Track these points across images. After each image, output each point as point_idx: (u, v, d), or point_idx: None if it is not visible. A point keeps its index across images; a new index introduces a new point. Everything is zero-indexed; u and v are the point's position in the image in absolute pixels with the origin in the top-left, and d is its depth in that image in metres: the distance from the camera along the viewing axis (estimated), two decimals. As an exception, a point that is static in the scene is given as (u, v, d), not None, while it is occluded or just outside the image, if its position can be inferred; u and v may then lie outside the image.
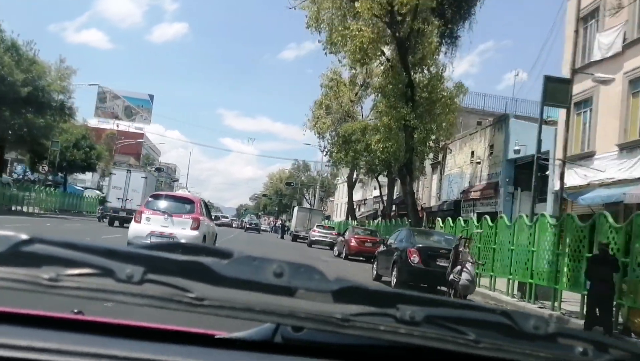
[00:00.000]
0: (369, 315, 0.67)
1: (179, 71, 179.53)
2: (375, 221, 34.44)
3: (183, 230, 10.29)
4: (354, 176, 38.84)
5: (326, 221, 43.18)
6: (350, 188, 38.69)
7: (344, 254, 21.15)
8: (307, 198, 69.30)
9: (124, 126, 65.10)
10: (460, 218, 17.21)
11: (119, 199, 23.25)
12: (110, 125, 62.96)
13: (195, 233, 10.34)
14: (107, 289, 0.64)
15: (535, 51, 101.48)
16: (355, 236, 21.19)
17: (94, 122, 59.97)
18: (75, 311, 0.95)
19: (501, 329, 0.69)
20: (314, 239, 28.93)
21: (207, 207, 12.66)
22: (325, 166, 45.85)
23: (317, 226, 30.85)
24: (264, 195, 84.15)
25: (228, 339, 0.85)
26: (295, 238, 35.47)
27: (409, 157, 21.18)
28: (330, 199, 64.81)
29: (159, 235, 10.14)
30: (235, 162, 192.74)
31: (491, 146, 22.88)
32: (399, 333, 0.66)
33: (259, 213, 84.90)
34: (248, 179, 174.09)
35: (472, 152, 24.50)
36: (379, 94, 22.98)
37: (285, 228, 43.91)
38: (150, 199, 11.48)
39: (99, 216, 29.16)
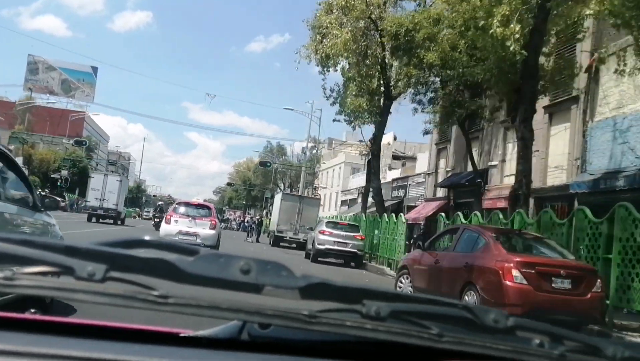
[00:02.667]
0: (335, 310, 0.68)
1: (143, 62, 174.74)
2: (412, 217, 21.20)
3: (204, 230, 13.70)
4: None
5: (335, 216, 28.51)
6: (376, 156, 20.36)
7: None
8: (282, 188, 55.51)
9: (62, 103, 53.04)
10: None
11: (97, 199, 27.49)
12: (43, 102, 50.56)
13: (213, 231, 13.87)
14: (67, 287, 0.62)
15: None
16: (520, 259, 6.99)
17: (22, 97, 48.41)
18: (32, 311, 0.92)
19: (463, 323, 0.71)
20: (322, 248, 16.74)
21: (217, 211, 16.76)
22: (336, 118, 22.23)
23: (328, 224, 18.04)
24: (229, 184, 68.99)
25: (194, 337, 0.84)
26: (277, 241, 24.31)
27: None
28: (321, 185, 46.68)
29: (186, 233, 13.48)
30: (201, 156, 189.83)
31: None
32: (365, 328, 0.67)
33: (224, 208, 70.53)
34: (214, 174, 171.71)
35: None
36: None
37: (259, 226, 29.66)
38: (176, 205, 15.09)
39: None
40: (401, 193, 29.42)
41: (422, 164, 27.80)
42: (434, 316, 0.71)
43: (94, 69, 56.76)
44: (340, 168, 47.34)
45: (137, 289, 0.63)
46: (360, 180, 36.50)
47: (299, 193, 34.43)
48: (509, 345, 0.71)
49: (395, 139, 41.19)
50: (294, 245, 23.77)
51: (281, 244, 24.35)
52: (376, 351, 0.78)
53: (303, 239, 22.81)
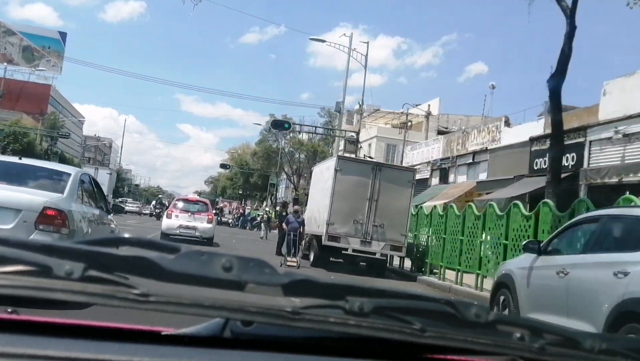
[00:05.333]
0: (318, 307, 0.68)
1: (135, 53, 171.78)
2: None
3: (201, 224, 15.37)
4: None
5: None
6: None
7: None
8: (289, 172, 45.33)
9: (23, 74, 44.34)
10: None
11: None
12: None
13: (210, 225, 15.64)
14: (45, 286, 0.61)
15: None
16: None
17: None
18: (9, 310, 0.90)
19: (445, 318, 0.72)
20: None
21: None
22: None
23: None
24: (223, 166, 54.38)
25: (175, 335, 0.83)
26: (326, 255, 12.49)
27: None
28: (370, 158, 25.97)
29: (186, 227, 15.15)
30: (194, 148, 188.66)
31: None
32: (348, 324, 0.67)
33: (217, 199, 57.74)
34: (206, 167, 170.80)
35: None
36: None
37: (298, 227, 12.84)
38: (176, 202, 16.90)
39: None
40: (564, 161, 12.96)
41: (616, 104, 13.40)
42: (417, 311, 0.72)
43: (62, 34, 47.01)
44: (370, 145, 34.27)
45: (117, 288, 0.63)
46: (431, 152, 23.77)
47: (373, 159, 19.30)
48: (490, 338, 0.72)
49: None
50: (357, 264, 12.36)
51: (332, 259, 12.44)
52: (360, 347, 0.79)
53: (382, 255, 12.19)
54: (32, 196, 5.07)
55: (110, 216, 7.21)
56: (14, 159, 6.35)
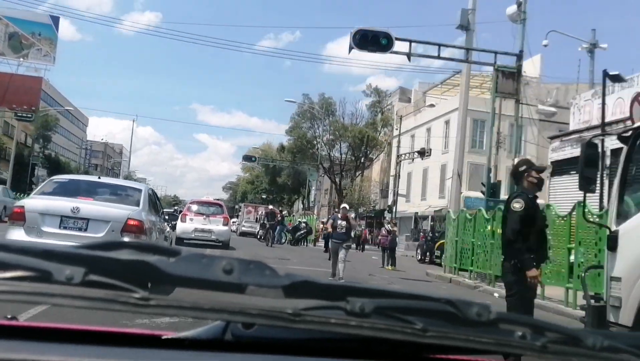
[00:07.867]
0: (320, 308, 0.68)
1: (151, 63, 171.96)
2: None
3: (217, 226, 15.15)
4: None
5: None
6: None
7: None
8: (326, 166, 36.10)
9: (11, 65, 38.35)
10: None
11: None
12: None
13: (225, 227, 15.64)
14: (44, 292, 0.61)
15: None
16: None
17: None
18: (9, 316, 0.90)
19: (447, 317, 0.72)
20: None
21: (228, 210, 19.23)
22: None
23: None
24: (248, 158, 44.31)
25: (176, 339, 0.83)
26: None
27: None
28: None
29: (201, 231, 14.95)
30: (212, 158, 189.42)
31: None
32: (350, 325, 0.67)
33: (236, 206, 49.96)
34: (223, 176, 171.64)
35: None
36: None
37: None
38: (190, 205, 16.61)
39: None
40: None
41: None
42: (418, 311, 0.72)
43: (54, 19, 40.46)
44: (447, 123, 23.56)
45: (118, 292, 0.62)
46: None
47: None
48: (491, 337, 0.72)
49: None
50: None
51: None
52: (361, 348, 0.79)
53: None
54: (118, 210, 6.08)
55: (165, 224, 8.31)
56: (94, 178, 7.42)
